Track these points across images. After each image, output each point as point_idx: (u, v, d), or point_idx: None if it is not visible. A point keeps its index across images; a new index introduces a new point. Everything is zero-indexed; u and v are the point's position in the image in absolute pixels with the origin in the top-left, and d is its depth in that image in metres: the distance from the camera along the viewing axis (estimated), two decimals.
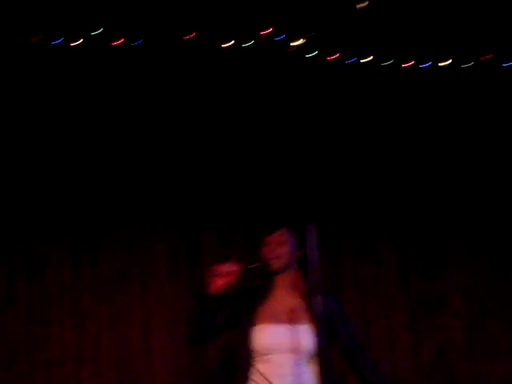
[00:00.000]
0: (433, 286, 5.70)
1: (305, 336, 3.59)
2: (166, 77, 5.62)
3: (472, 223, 5.79)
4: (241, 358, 3.57)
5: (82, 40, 5.10)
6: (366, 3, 4.88)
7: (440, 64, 5.44)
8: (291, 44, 5.31)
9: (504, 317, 5.70)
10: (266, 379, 3.54)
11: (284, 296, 3.67)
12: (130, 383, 5.44)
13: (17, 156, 5.54)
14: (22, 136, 5.53)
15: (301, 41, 5.28)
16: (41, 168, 5.56)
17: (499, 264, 5.76)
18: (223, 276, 3.50)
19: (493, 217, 5.81)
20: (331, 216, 5.63)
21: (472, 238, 5.77)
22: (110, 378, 5.43)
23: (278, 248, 3.63)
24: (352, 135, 5.74)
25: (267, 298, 3.66)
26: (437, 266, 5.71)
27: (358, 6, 4.88)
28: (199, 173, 5.67)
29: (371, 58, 5.38)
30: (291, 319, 3.60)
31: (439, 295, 5.68)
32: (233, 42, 5.27)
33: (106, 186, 5.61)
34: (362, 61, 5.35)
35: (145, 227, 5.61)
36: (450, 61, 5.47)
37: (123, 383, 5.44)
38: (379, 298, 5.67)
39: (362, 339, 3.84)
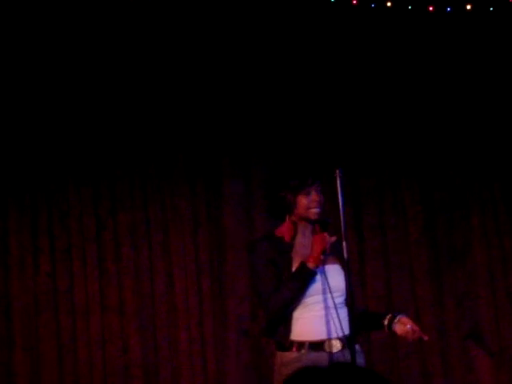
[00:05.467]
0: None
1: (337, 276, 3.77)
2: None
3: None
4: None
5: None
6: None
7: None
8: None
9: None
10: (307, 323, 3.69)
11: (310, 241, 3.80)
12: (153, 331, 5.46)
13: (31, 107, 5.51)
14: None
15: None
16: (56, 114, 5.51)
17: None
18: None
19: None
20: (352, 164, 5.59)
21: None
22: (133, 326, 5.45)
23: (321, 197, 3.81)
24: (375, 80, 5.65)
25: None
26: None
27: None
28: (221, 118, 5.61)
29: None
30: (323, 261, 3.75)
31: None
32: None
33: (124, 134, 5.57)
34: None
35: (166, 178, 5.58)
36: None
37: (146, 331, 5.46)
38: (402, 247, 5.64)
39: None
